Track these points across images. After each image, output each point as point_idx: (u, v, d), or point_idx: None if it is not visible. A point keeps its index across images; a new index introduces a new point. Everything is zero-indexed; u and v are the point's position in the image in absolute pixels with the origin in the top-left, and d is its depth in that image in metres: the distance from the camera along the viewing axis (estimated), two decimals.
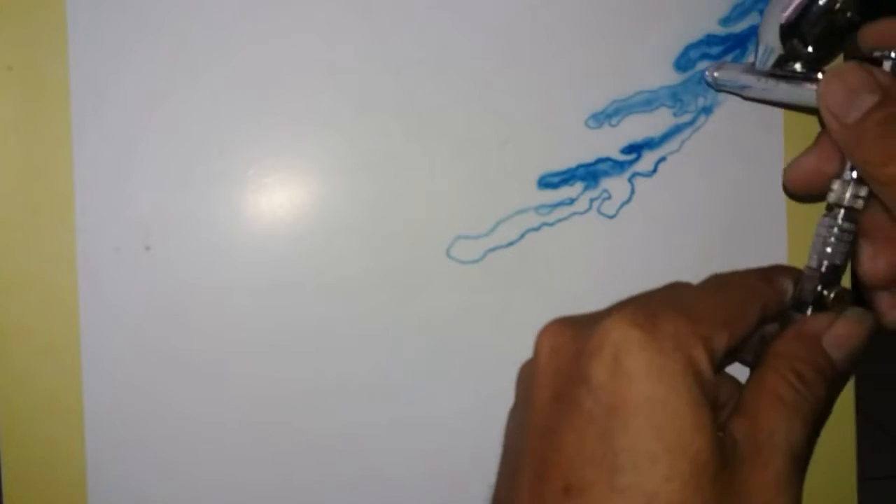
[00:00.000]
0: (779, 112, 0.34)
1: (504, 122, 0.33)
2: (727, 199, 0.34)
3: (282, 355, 0.32)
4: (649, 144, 0.34)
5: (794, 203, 0.34)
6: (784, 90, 0.30)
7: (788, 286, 0.27)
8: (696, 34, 0.34)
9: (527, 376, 0.24)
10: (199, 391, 0.31)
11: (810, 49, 0.30)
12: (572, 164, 0.33)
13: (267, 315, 0.32)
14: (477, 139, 0.33)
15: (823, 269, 0.28)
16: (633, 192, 0.33)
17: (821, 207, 0.28)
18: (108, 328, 0.31)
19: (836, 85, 0.26)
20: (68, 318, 0.31)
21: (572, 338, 0.23)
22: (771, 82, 0.31)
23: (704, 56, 0.34)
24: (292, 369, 0.32)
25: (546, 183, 0.33)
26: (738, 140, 0.33)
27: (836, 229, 0.28)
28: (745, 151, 0.34)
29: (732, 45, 0.34)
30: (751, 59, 0.32)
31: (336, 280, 0.32)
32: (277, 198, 0.32)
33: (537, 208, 0.33)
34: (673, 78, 0.34)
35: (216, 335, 0.31)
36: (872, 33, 0.28)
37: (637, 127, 0.33)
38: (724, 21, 0.34)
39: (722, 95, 0.34)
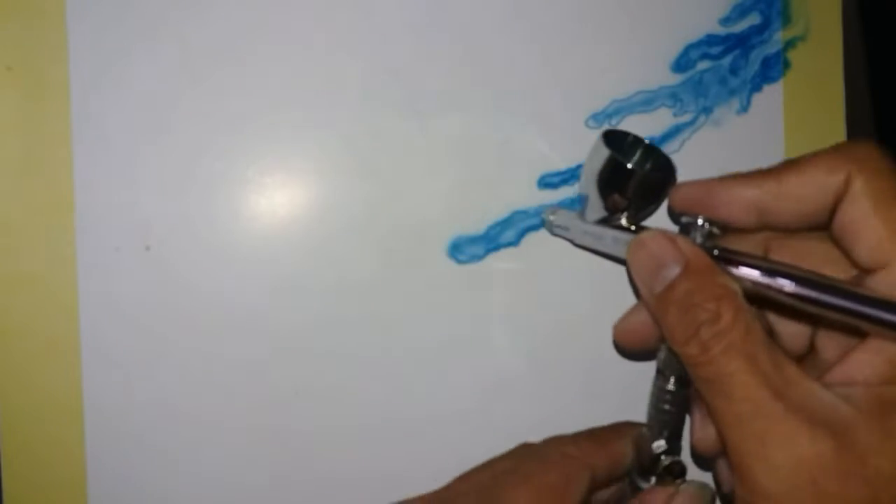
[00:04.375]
0: (779, 112, 0.34)
1: (504, 122, 0.33)
2: None
3: (281, 355, 0.32)
4: None
5: None
6: (609, 244, 0.29)
7: (626, 450, 0.27)
8: (696, 34, 0.34)
9: None
10: (198, 391, 0.31)
11: (630, 202, 0.28)
12: (572, 164, 0.33)
13: (267, 315, 0.32)
14: (477, 139, 0.33)
15: (656, 432, 0.27)
16: None
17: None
18: (108, 328, 0.31)
19: (641, 253, 0.25)
20: (68, 318, 0.31)
21: None
22: (596, 235, 0.29)
23: (704, 56, 0.34)
24: (292, 369, 0.32)
25: (546, 183, 0.33)
26: (738, 140, 0.33)
27: (667, 394, 0.27)
28: (745, 151, 0.34)
29: (732, 45, 0.34)
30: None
31: (336, 280, 0.32)
32: (277, 198, 0.32)
33: (537, 208, 0.33)
34: (673, 78, 0.34)
35: (216, 335, 0.31)
36: (679, 198, 0.27)
37: (637, 127, 0.33)
38: (724, 21, 0.34)
39: (722, 96, 0.34)
